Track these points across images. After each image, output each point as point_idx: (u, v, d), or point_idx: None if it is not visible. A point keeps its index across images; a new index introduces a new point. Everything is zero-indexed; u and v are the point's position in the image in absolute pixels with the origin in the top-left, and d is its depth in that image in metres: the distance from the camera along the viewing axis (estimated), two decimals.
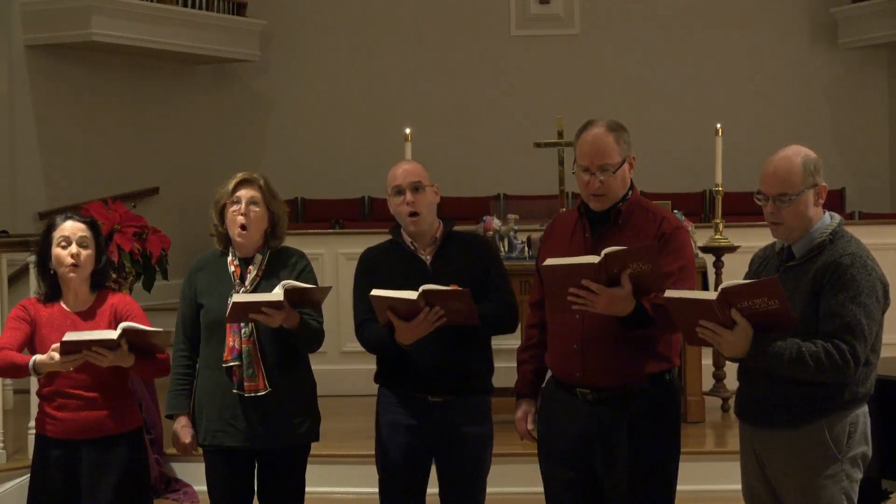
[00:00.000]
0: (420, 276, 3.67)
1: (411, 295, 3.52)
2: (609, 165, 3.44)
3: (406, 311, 3.56)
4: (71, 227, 3.77)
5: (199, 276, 3.91)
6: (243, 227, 3.81)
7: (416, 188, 3.77)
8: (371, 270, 3.83)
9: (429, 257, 3.81)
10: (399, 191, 3.79)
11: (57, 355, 3.56)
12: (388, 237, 3.92)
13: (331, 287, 3.87)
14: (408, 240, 3.84)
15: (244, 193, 3.82)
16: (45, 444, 3.80)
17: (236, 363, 3.77)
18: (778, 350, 3.09)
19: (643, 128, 4.60)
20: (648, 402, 3.44)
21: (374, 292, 3.60)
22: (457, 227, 3.96)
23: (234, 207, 3.81)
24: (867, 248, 3.26)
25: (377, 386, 3.95)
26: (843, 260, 3.15)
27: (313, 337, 3.82)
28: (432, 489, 3.91)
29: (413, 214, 3.78)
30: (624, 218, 3.49)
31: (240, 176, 3.86)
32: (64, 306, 3.81)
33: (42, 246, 3.82)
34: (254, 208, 3.81)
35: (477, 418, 3.84)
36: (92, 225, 3.83)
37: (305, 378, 3.93)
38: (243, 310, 3.63)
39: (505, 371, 3.97)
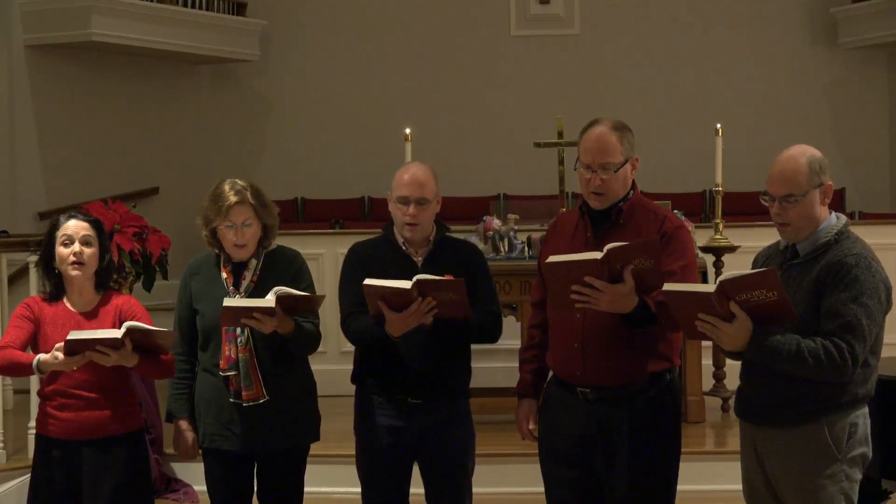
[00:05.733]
0: (411, 275, 3.63)
1: (405, 284, 3.50)
2: (611, 164, 3.44)
3: (398, 301, 3.54)
4: (74, 226, 3.77)
5: (195, 279, 3.90)
6: (240, 246, 3.79)
7: (421, 203, 3.74)
8: (362, 264, 3.80)
9: (420, 259, 3.80)
10: (404, 201, 3.76)
11: (61, 355, 3.55)
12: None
13: (324, 296, 3.82)
14: (400, 240, 3.83)
15: (237, 218, 3.75)
16: (45, 444, 3.79)
17: (233, 373, 3.76)
18: (777, 345, 3.08)
19: (643, 127, 4.60)
20: (649, 401, 3.44)
21: (368, 281, 3.57)
22: (454, 228, 3.95)
23: (230, 234, 3.77)
24: (872, 249, 3.25)
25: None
26: (847, 260, 3.15)
27: (308, 341, 3.81)
28: (417, 489, 3.90)
29: (412, 224, 3.77)
30: (626, 217, 3.49)
31: (231, 197, 3.75)
32: (68, 305, 3.81)
33: (46, 245, 3.81)
34: (248, 231, 3.78)
35: (457, 420, 3.83)
36: (95, 224, 3.82)
37: (304, 381, 3.92)
38: (235, 314, 3.62)
39: (505, 371, 3.98)
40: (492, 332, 3.80)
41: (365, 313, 3.69)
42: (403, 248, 3.82)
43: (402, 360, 3.71)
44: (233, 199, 3.76)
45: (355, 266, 3.81)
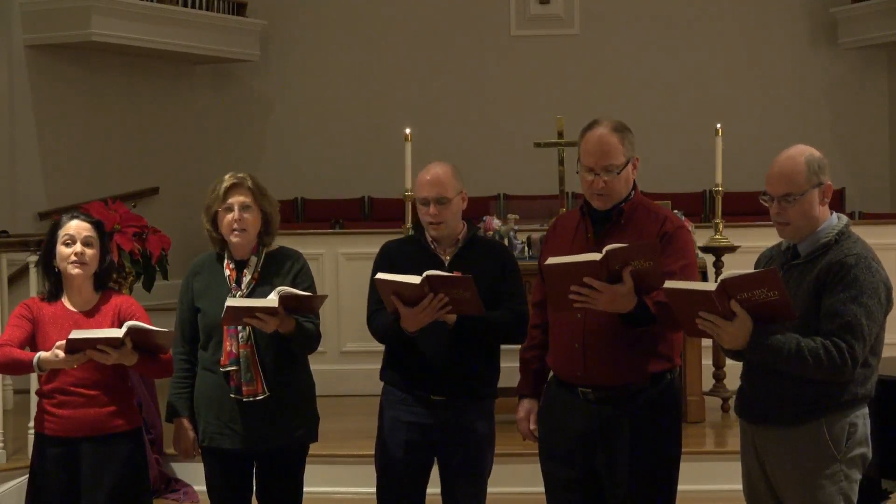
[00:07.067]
0: None
1: (415, 279, 3.53)
2: (613, 166, 3.45)
3: (410, 296, 3.57)
4: (76, 227, 3.79)
5: (197, 279, 3.92)
6: (239, 231, 3.81)
7: (440, 201, 3.78)
8: (390, 262, 3.83)
9: (448, 258, 3.83)
10: (425, 202, 3.80)
11: (62, 353, 3.57)
12: (392, 236, 3.93)
13: (326, 296, 3.87)
14: (430, 239, 3.86)
15: (235, 200, 3.81)
16: (44, 442, 3.80)
17: (234, 368, 3.78)
18: (777, 344, 3.09)
19: (643, 127, 4.59)
20: (650, 401, 3.44)
21: (379, 276, 3.62)
22: None
23: (228, 216, 3.80)
24: (873, 249, 3.25)
25: (379, 385, 3.95)
26: (847, 260, 3.15)
27: (309, 340, 3.83)
28: (434, 489, 3.91)
29: (434, 224, 3.79)
30: (626, 218, 3.50)
31: (228, 181, 3.84)
32: (67, 304, 3.82)
33: (47, 244, 3.83)
34: (246, 214, 3.81)
35: (479, 419, 3.84)
36: (97, 226, 3.85)
37: (304, 380, 3.93)
38: (237, 313, 3.64)
39: (505, 371, 3.97)
40: (516, 332, 3.81)
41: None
42: (432, 247, 3.84)
43: (425, 358, 3.74)
44: (230, 181, 3.84)
45: (384, 264, 3.83)
